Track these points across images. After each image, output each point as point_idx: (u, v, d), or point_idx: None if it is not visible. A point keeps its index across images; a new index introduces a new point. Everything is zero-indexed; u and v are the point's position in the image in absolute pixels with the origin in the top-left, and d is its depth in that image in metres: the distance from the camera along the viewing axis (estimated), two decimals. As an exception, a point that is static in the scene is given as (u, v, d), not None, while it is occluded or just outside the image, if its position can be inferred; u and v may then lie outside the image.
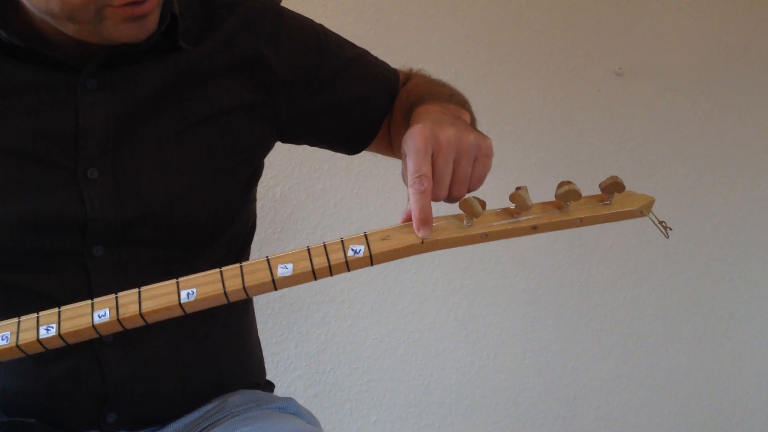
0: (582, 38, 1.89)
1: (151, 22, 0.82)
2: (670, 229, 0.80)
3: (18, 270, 0.86)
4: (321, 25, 1.01)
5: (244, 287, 0.76)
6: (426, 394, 1.90)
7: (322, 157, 1.71)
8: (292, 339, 1.77)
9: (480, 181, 0.78)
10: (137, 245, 0.88)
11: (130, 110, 0.87)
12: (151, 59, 0.88)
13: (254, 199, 1.04)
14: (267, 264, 0.76)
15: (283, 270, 0.75)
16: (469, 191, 0.77)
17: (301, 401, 1.02)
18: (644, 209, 0.78)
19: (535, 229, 0.76)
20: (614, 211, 0.77)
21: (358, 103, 0.99)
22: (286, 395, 1.03)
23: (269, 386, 1.09)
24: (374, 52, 1.04)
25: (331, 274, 0.77)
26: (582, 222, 0.77)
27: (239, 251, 1.01)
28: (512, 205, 0.76)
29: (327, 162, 1.73)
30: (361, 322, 1.82)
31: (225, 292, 0.76)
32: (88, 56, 0.85)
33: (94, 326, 0.75)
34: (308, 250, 0.76)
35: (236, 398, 0.97)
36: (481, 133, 0.79)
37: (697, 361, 2.09)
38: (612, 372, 2.03)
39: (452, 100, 0.91)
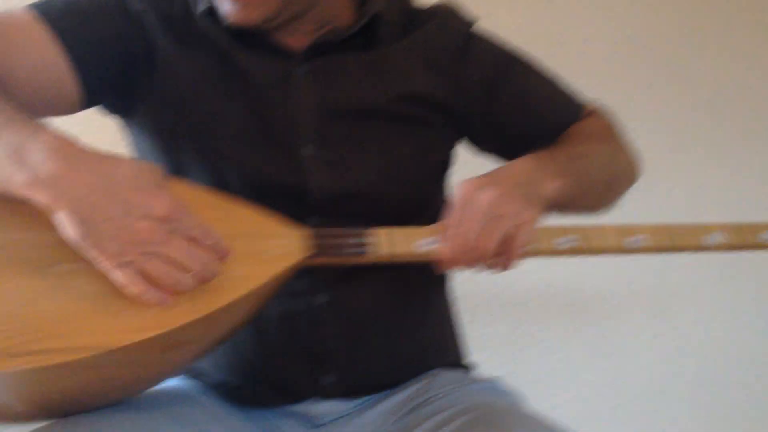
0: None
1: (253, 9, 0.86)
2: None
3: None
4: (511, 49, 1.04)
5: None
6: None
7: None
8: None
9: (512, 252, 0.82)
10: (348, 217, 0.89)
11: (337, 95, 0.93)
12: (355, 49, 0.94)
13: (444, 191, 1.06)
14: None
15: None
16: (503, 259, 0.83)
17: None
18: None
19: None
20: None
21: (526, 134, 1.02)
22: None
23: (469, 367, 1.07)
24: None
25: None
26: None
27: None
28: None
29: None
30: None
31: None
32: (299, 45, 0.92)
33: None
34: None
35: (442, 378, 0.96)
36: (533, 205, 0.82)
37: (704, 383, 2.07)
38: (617, 398, 2.00)
39: (571, 163, 0.91)
